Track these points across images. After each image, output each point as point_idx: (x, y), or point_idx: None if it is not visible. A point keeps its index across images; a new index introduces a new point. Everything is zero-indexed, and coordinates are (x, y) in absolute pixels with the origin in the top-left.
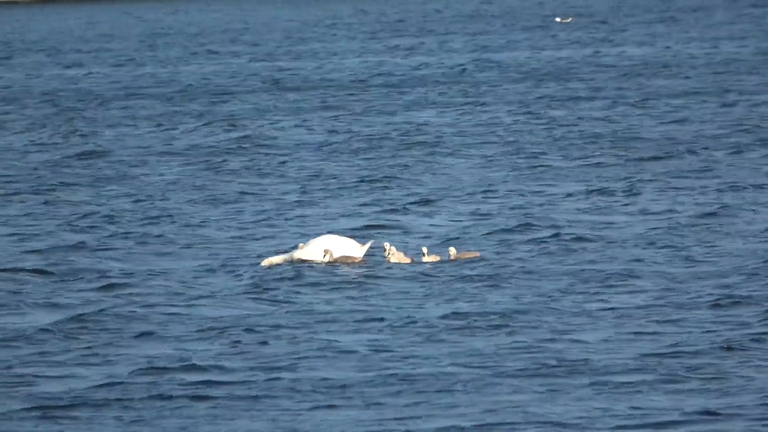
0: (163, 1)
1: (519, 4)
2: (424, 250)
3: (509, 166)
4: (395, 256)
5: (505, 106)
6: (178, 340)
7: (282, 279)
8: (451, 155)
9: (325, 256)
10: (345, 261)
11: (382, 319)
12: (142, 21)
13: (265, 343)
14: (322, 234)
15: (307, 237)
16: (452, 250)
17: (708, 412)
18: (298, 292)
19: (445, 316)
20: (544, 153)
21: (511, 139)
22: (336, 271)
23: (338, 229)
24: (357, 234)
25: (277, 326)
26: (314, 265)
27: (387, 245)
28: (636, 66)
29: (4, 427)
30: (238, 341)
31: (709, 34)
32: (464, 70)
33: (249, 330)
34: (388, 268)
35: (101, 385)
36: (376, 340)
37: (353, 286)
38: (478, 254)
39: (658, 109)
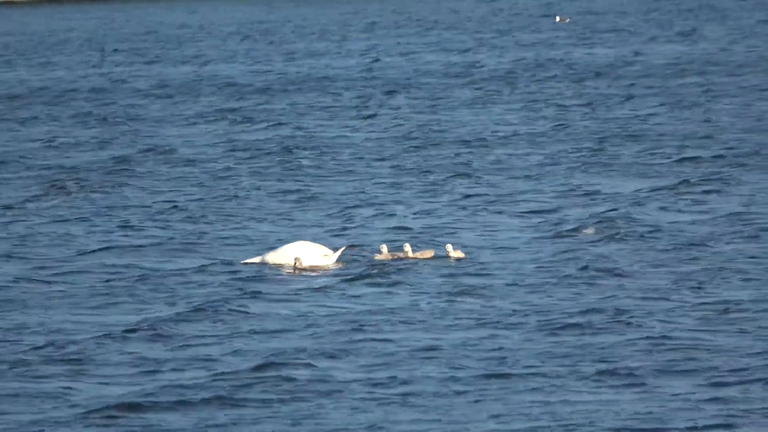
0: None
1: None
2: (407, 247)
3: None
4: (384, 255)
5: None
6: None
7: (285, 281)
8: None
9: (295, 262)
10: (317, 267)
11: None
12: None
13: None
14: (295, 240)
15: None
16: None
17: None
18: (303, 294)
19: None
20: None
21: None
22: (335, 272)
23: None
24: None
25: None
26: (286, 270)
27: (383, 247)
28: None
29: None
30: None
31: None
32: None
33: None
34: (383, 266)
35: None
36: (394, 339)
37: (348, 286)
38: (432, 253)
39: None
